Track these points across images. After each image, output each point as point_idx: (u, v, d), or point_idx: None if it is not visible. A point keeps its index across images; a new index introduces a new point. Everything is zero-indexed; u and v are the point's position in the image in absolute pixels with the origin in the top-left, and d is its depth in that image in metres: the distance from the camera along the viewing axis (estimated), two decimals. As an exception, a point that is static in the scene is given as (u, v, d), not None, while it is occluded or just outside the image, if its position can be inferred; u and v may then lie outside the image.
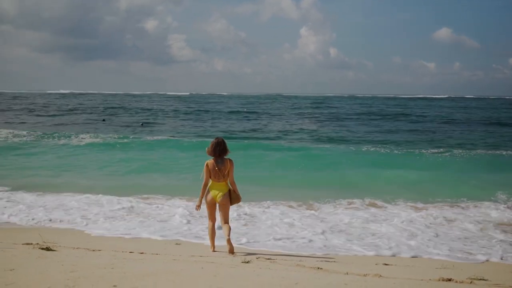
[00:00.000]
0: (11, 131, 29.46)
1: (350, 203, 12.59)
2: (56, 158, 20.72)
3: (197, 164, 14.51)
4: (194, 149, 22.22)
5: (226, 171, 7.65)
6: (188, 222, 10.56)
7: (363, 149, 23.52)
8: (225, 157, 7.71)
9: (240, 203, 8.31)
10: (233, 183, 7.75)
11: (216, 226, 8.03)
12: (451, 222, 10.83)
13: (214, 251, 7.87)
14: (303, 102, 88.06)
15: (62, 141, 25.62)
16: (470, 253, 8.62)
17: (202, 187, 7.75)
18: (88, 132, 29.54)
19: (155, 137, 27.39)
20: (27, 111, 51.40)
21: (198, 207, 7.75)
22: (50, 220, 10.53)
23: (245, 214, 11.34)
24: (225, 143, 7.70)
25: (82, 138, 26.67)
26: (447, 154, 21.80)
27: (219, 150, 7.60)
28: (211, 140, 7.81)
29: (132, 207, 11.87)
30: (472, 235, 9.85)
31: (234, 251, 7.65)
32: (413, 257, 8.43)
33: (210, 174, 7.65)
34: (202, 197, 7.77)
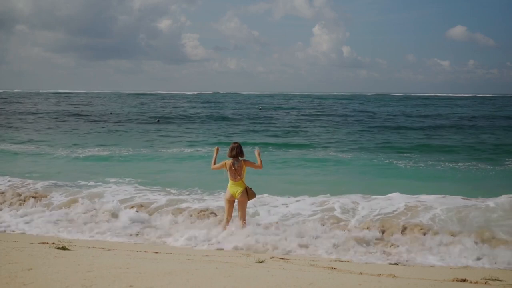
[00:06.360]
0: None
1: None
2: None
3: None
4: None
5: (242, 171, 8.80)
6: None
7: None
8: (240, 158, 8.91)
9: None
10: (260, 164, 8.90)
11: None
12: None
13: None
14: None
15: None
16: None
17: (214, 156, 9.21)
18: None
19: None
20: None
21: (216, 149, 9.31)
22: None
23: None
24: (241, 147, 8.96)
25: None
26: None
27: (235, 153, 8.84)
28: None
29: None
30: None
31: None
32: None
33: (228, 173, 8.84)
34: (215, 157, 9.18)
